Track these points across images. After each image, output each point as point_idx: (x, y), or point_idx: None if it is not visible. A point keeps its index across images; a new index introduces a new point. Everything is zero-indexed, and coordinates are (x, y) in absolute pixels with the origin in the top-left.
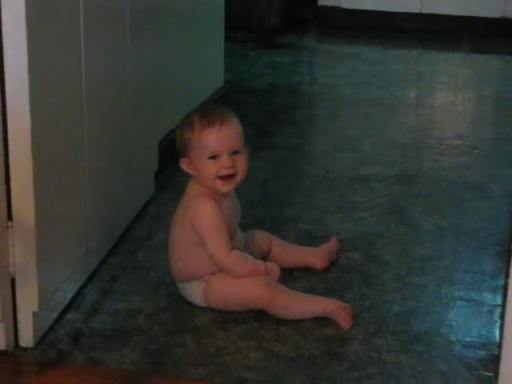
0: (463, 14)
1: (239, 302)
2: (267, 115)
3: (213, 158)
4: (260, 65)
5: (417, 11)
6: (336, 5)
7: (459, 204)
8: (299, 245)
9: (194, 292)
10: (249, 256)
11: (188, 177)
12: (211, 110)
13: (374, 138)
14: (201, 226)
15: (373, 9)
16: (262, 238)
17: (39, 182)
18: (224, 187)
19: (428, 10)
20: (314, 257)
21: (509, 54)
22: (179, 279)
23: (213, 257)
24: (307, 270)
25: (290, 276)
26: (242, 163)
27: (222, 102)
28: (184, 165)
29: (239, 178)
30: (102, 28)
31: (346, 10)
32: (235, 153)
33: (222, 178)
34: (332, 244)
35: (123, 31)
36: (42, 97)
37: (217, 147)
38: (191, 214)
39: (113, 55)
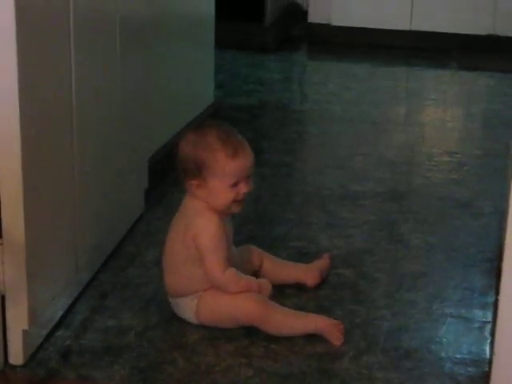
0: (453, 32)
1: (231, 318)
2: (257, 132)
3: (234, 185)
4: (250, 81)
5: (406, 28)
6: (326, 22)
7: (449, 220)
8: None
9: (187, 307)
10: (241, 274)
11: (179, 193)
12: (228, 134)
13: (364, 154)
14: (203, 241)
15: (362, 26)
16: (253, 253)
17: (29, 199)
18: (238, 208)
19: (417, 27)
20: (306, 273)
21: (498, 71)
22: (173, 294)
23: (208, 273)
24: (298, 287)
25: (281, 293)
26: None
27: (212, 119)
28: (193, 186)
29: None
30: (92, 44)
31: (335, 27)
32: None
33: (238, 200)
34: (324, 261)
35: (113, 48)
36: (31, 113)
37: (239, 176)
38: (195, 229)
39: (103, 72)
